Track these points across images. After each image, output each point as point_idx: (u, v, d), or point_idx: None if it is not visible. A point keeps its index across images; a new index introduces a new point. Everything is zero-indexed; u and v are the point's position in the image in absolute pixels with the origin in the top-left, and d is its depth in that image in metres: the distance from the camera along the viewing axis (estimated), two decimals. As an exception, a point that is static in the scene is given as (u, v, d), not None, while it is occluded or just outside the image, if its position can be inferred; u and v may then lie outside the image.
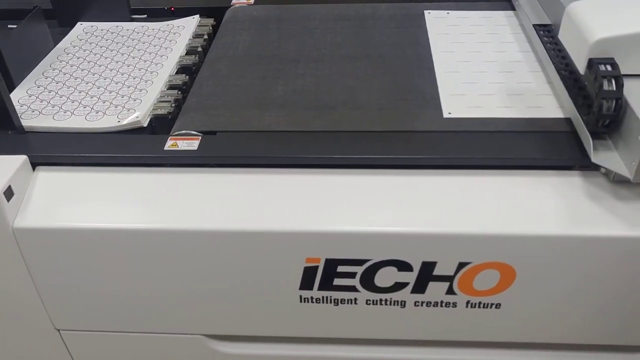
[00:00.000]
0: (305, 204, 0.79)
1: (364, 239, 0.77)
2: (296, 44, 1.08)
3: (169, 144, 0.85)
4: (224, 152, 0.84)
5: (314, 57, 1.03)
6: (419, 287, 0.80)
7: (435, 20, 1.13)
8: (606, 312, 0.81)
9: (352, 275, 0.80)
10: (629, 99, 0.73)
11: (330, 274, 0.80)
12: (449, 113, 0.88)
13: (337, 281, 0.81)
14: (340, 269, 0.80)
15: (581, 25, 0.76)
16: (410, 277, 0.79)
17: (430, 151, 0.81)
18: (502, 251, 0.76)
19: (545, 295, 0.80)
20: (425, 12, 1.16)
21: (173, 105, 0.95)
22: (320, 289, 0.82)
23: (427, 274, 0.79)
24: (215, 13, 1.23)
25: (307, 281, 0.81)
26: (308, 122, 0.88)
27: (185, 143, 0.85)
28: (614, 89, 0.71)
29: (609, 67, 0.72)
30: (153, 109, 0.94)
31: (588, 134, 0.75)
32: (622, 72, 0.74)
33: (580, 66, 0.75)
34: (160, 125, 0.94)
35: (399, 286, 0.80)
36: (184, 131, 0.88)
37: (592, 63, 0.73)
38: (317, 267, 0.80)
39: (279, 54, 1.05)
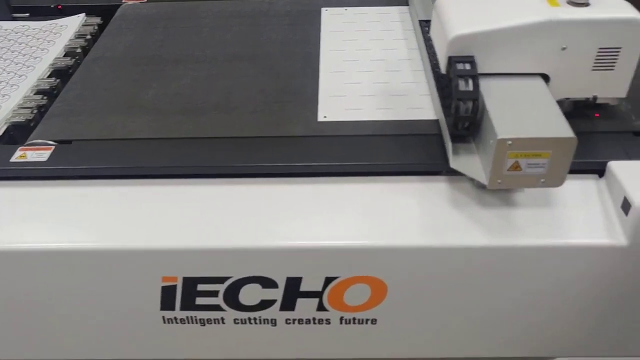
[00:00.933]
0: (159, 219, 0.72)
1: (222, 256, 0.71)
2: (181, 43, 1.01)
3: (17, 155, 0.77)
4: (76, 163, 0.76)
5: (196, 58, 0.97)
6: (288, 304, 0.75)
7: (332, 17, 1.07)
8: (484, 322, 0.77)
9: (214, 293, 0.74)
10: (487, 100, 0.68)
11: (190, 293, 0.74)
12: (324, 116, 0.82)
13: (200, 300, 0.75)
14: (201, 287, 0.73)
15: (443, 22, 0.71)
16: (277, 294, 0.74)
17: (295, 158, 0.75)
18: (368, 264, 0.71)
19: (420, 309, 0.75)
20: (323, 9, 1.10)
21: (34, 111, 0.88)
22: (183, 309, 0.75)
23: (293, 290, 0.73)
24: (106, 11, 1.16)
25: (167, 301, 0.75)
26: (173, 128, 0.81)
27: (35, 154, 0.78)
28: (471, 89, 0.67)
29: (467, 66, 0.68)
30: (11, 116, 0.87)
31: (448, 137, 0.71)
32: (485, 70, 0.70)
33: (442, 64, 0.71)
34: (22, 134, 0.87)
35: (266, 304, 0.75)
36: (40, 140, 0.81)
37: (451, 61, 0.69)
38: (175, 286, 0.74)
39: (161, 54, 0.98)
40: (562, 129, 0.64)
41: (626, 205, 0.69)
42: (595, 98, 0.76)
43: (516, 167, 0.64)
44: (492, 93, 0.69)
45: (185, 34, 1.04)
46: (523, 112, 0.67)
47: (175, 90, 0.89)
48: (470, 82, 0.67)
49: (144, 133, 0.81)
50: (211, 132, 0.80)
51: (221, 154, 0.76)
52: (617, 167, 0.73)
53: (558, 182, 0.66)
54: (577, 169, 0.74)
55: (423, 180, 0.73)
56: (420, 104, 0.83)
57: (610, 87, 0.75)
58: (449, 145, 0.70)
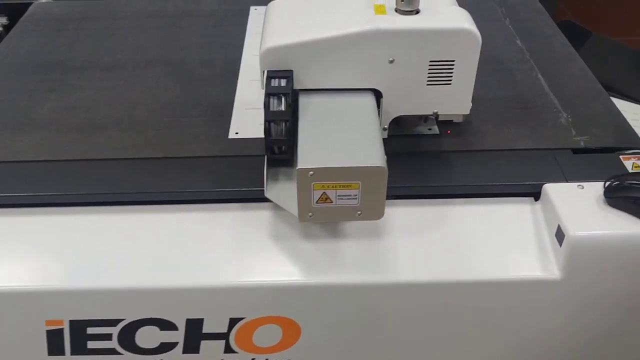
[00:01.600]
0: (39, 255, 0.64)
1: (110, 297, 0.63)
2: (90, 47, 0.92)
3: None
4: (-53, 190, 0.68)
5: (105, 64, 0.88)
6: (191, 346, 0.67)
7: (260, 18, 0.98)
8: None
9: (107, 336, 0.66)
10: (300, 122, 0.62)
11: (80, 337, 0.66)
12: (236, 133, 0.74)
13: (92, 344, 0.67)
14: (91, 330, 0.65)
15: (263, 31, 0.64)
16: (178, 337, 0.66)
17: (195, 183, 0.67)
18: (274, 303, 0.64)
19: (335, 349, 0.68)
20: (252, 7, 1.02)
21: None
22: (74, 353, 0.67)
23: (195, 332, 0.65)
24: (15, 10, 1.05)
25: (55, 346, 0.66)
26: (65, 149, 0.72)
27: None
28: (282, 108, 0.59)
29: (282, 82, 0.61)
30: None
31: (265, 162, 0.64)
32: (308, 86, 0.64)
33: (261, 80, 0.64)
34: None
35: (167, 346, 0.67)
36: None
37: (268, 76, 0.62)
38: (61, 330, 0.65)
39: (65, 60, 0.89)
40: (372, 156, 0.57)
41: (560, 235, 0.63)
42: (436, 115, 0.70)
43: (326, 198, 0.57)
44: (308, 114, 0.62)
45: (97, 37, 0.95)
46: (335, 136, 0.60)
47: (74, 103, 0.80)
48: (283, 100, 0.59)
49: (30, 154, 0.71)
50: (106, 153, 0.71)
51: (112, 179, 0.68)
52: (552, 190, 0.66)
53: (377, 214, 0.59)
54: (510, 192, 0.68)
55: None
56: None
57: (451, 103, 0.69)
58: (264, 171, 0.63)
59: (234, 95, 0.80)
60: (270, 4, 0.73)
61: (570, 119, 0.76)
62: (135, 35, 0.95)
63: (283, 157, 0.63)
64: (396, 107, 0.69)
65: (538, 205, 0.68)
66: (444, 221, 0.66)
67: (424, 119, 0.75)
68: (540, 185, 0.67)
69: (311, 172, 0.55)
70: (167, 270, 0.63)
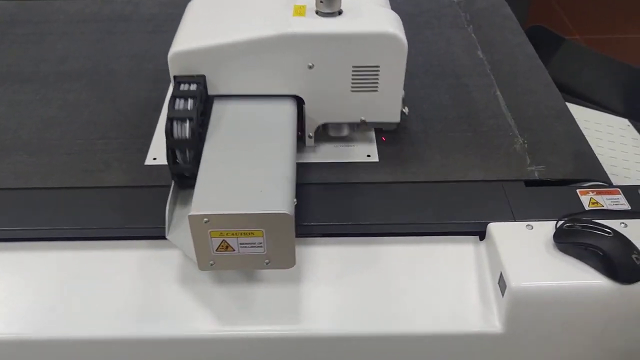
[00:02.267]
0: None
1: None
2: (13, 56, 0.84)
3: None
4: None
5: (25, 76, 0.80)
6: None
7: (202, 23, 0.91)
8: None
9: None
10: (206, 145, 0.56)
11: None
12: (154, 159, 0.66)
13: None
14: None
15: (177, 32, 0.59)
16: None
17: (97, 217, 0.60)
18: (177, 357, 0.57)
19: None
20: (195, 11, 0.94)
21: None
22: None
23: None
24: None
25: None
26: (-38, 176, 0.65)
27: None
28: (186, 135, 0.53)
29: (193, 87, 0.56)
30: None
31: (169, 199, 0.57)
32: (222, 92, 0.60)
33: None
34: None
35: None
36: None
37: (176, 81, 0.57)
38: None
39: (-18, 70, 0.82)
40: (276, 201, 0.50)
41: (502, 284, 0.56)
42: (365, 122, 0.64)
43: (226, 247, 0.50)
44: (217, 131, 0.56)
45: (23, 43, 0.87)
46: (238, 171, 0.54)
47: None
48: (187, 126, 0.53)
49: None
50: (6, 182, 0.64)
51: (7, 212, 0.61)
52: (498, 230, 0.59)
53: (287, 263, 0.53)
54: (452, 231, 0.61)
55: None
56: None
57: (378, 111, 0.64)
58: (166, 208, 0.56)
59: (159, 114, 0.73)
60: (190, 3, 0.66)
61: (526, 145, 0.69)
62: (65, 43, 0.87)
63: (194, 182, 0.55)
64: (321, 115, 0.64)
65: (483, 246, 0.61)
66: (374, 264, 0.59)
67: (355, 126, 0.68)
68: (485, 224, 0.60)
69: (206, 219, 0.48)
70: (54, 320, 0.55)
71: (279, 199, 0.50)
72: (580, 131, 0.73)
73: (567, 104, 0.79)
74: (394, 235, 0.60)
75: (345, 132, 0.68)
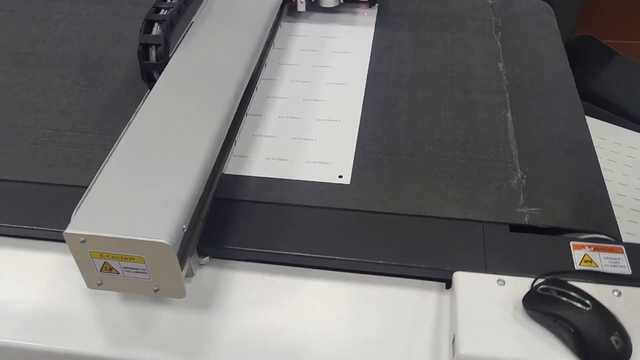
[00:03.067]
0: None
1: None
2: (14, 34, 0.82)
3: None
4: None
5: (19, 56, 0.78)
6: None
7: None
8: None
9: None
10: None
11: None
12: (114, 158, 0.63)
13: None
14: None
15: None
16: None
17: (20, 215, 0.57)
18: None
19: None
20: (205, -3, 0.89)
21: None
22: None
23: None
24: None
25: None
26: None
27: None
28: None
29: None
30: None
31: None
32: None
33: None
34: None
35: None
36: None
37: None
38: None
39: (-21, 49, 0.81)
40: (159, 227, 0.45)
41: (454, 346, 0.48)
42: None
43: (110, 269, 0.46)
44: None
45: (27, 22, 0.85)
46: (135, 181, 0.49)
47: None
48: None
49: None
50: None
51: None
52: (463, 281, 0.51)
53: (177, 293, 0.48)
54: (416, 275, 0.54)
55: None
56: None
57: None
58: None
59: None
60: None
61: (524, 181, 0.60)
62: (67, 23, 0.85)
63: None
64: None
65: (447, 296, 0.53)
66: (301, 300, 0.53)
67: None
68: (451, 272, 0.52)
69: (82, 239, 0.44)
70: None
71: (162, 225, 0.45)
72: (599, 171, 0.62)
73: (608, 125, 0.68)
74: (346, 271, 0.54)
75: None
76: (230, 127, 0.61)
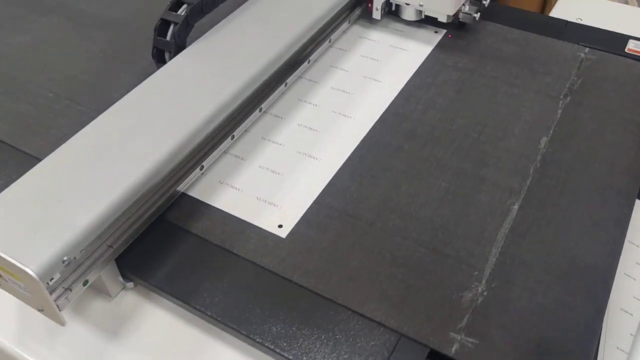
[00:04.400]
0: None
1: None
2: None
3: None
4: None
5: (70, 12, 0.80)
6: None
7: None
8: None
9: None
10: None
11: None
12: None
13: None
14: None
15: None
16: None
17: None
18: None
19: None
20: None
21: None
22: None
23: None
24: None
25: None
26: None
27: None
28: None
29: None
30: None
31: None
32: None
33: None
34: None
35: None
36: None
37: None
38: None
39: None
40: (33, 251, 0.42)
41: None
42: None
43: (1, 275, 0.44)
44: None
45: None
46: (53, 188, 0.47)
47: None
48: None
49: None
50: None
51: None
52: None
53: (57, 320, 0.44)
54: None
55: None
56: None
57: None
58: None
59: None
60: None
61: (480, 299, 0.48)
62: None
63: None
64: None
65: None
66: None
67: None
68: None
69: None
70: None
71: (38, 251, 0.42)
72: (598, 317, 0.48)
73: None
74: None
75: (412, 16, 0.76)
76: (203, 142, 0.57)
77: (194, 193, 0.57)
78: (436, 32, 0.77)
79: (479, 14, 0.75)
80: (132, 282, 0.53)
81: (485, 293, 0.49)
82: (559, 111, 0.65)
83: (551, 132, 0.63)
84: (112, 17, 0.80)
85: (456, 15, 0.75)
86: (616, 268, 0.51)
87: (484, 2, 0.76)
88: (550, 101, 0.66)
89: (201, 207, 0.56)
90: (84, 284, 0.46)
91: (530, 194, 0.56)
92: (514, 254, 0.51)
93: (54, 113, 0.66)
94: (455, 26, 0.76)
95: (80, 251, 0.45)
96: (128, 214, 0.50)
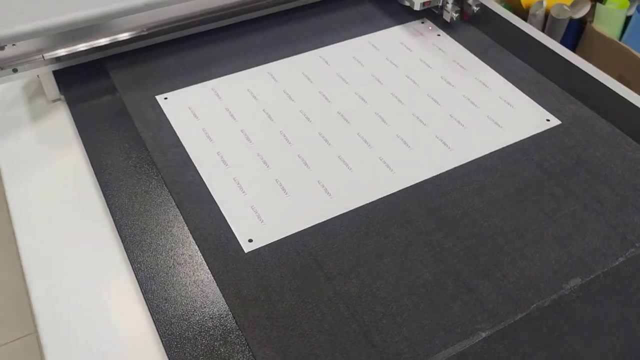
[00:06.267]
0: None
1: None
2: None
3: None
4: None
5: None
6: None
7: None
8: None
9: None
10: None
11: None
12: None
13: None
14: None
15: None
16: None
17: None
18: None
19: None
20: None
21: None
22: None
23: None
24: None
25: None
26: None
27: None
28: None
29: None
30: None
31: None
32: None
33: None
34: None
35: None
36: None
37: None
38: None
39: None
40: None
41: None
42: None
43: None
44: None
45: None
46: None
47: None
48: None
49: None
50: None
51: None
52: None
53: None
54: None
55: None
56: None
57: None
58: None
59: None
60: None
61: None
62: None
63: None
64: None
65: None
66: None
67: None
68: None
69: None
70: None
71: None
72: None
73: None
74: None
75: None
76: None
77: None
78: (548, 120, 0.67)
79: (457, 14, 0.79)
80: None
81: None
82: (620, 258, 0.53)
83: (593, 276, 0.52)
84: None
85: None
86: None
87: (474, 7, 0.79)
88: (619, 242, 0.55)
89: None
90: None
91: (510, 330, 0.48)
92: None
93: None
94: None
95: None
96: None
